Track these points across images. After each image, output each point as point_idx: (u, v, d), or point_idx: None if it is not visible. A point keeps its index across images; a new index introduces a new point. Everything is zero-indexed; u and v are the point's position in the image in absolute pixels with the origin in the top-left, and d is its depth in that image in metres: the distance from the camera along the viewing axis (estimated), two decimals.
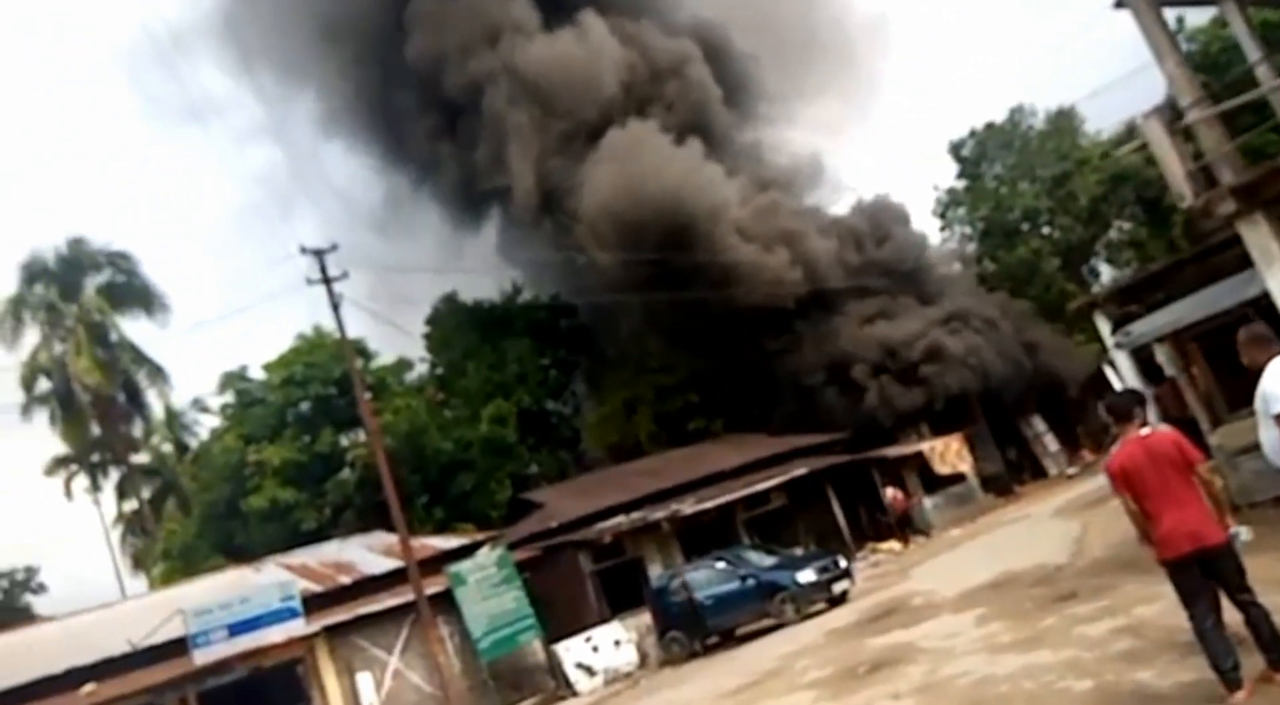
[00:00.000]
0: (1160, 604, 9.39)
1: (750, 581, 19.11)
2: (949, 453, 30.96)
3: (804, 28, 42.14)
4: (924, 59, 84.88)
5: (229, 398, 35.05)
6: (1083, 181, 39.90)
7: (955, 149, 42.77)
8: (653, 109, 37.01)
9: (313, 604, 19.42)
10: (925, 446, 30.52)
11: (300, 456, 31.74)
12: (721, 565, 19.99)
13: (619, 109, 36.20)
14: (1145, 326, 13.41)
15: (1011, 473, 33.75)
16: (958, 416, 32.68)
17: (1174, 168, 10.50)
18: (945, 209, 43.23)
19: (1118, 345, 13.49)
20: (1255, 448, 6.45)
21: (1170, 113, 10.79)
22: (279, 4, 38.72)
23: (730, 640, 19.89)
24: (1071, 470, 33.22)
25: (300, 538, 28.50)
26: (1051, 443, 35.82)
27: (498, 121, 36.86)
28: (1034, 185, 40.53)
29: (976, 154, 42.62)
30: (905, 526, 27.75)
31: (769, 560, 19.97)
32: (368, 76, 39.33)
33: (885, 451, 30.33)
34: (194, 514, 35.18)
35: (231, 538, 31.84)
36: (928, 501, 29.03)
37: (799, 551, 23.13)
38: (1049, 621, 10.35)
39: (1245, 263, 12.11)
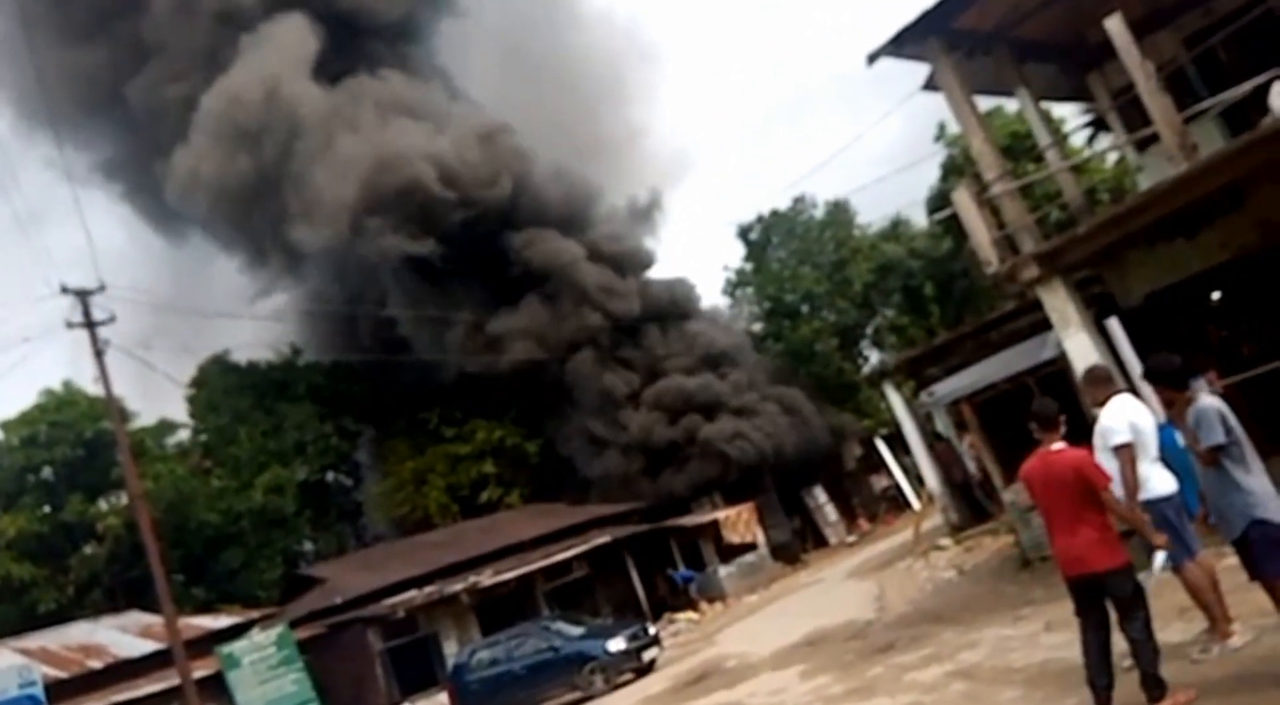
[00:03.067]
0: (983, 648, 9.68)
1: (558, 652, 18.40)
2: (740, 522, 31.64)
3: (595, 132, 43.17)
4: (723, 137, 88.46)
5: None
6: (856, 269, 42.89)
7: (743, 232, 45.01)
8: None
9: (58, 692, 17.22)
10: (719, 516, 31.05)
11: (40, 527, 28.33)
12: (528, 636, 19.20)
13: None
14: (947, 387, 14.20)
15: (796, 541, 34.84)
16: (749, 486, 33.54)
17: (981, 235, 11.27)
18: (734, 288, 45.24)
19: (923, 404, 14.20)
20: None
21: (976, 185, 11.60)
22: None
23: None
24: (851, 538, 34.73)
25: (37, 620, 25.26)
26: (832, 513, 37.39)
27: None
28: (814, 270, 43.14)
29: (762, 238, 45.01)
30: None
31: (576, 630, 19.33)
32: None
33: (681, 521, 30.60)
34: None
35: None
36: (722, 570, 29.39)
37: (601, 621, 22.65)
38: (876, 671, 10.40)
39: (1034, 330, 13.20)
